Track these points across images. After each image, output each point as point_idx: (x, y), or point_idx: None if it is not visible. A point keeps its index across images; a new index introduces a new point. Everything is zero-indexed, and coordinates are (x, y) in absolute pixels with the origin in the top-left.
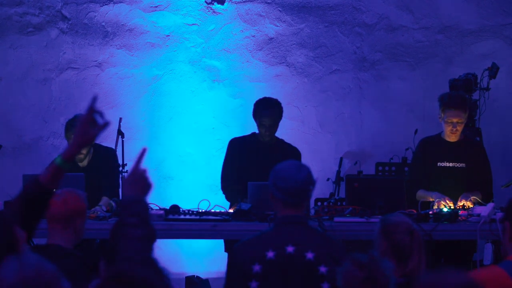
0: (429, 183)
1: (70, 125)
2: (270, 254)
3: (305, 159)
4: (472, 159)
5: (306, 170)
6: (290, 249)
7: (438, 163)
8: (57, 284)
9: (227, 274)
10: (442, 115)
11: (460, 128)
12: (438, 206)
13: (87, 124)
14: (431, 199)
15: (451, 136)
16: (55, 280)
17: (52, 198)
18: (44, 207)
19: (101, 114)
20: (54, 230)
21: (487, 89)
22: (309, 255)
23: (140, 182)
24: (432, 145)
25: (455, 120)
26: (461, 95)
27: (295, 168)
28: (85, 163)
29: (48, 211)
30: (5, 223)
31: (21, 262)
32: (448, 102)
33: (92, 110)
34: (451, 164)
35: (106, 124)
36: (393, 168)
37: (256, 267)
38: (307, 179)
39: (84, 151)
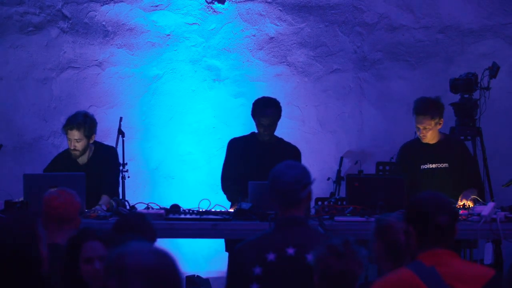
0: (415, 186)
1: (69, 120)
2: (271, 256)
3: (305, 159)
4: (455, 158)
5: (297, 170)
6: (290, 251)
7: (421, 166)
8: (178, 274)
9: (227, 276)
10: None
11: (427, 132)
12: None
13: None
14: None
15: (422, 139)
16: (176, 271)
17: (49, 197)
18: None
19: None
20: (51, 230)
21: (488, 88)
22: (310, 257)
23: None
24: (413, 149)
25: (421, 126)
26: (429, 101)
27: (285, 168)
28: (85, 159)
29: (45, 211)
30: (27, 219)
31: (145, 250)
32: (415, 108)
33: None
34: (434, 166)
35: None
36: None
37: (257, 270)
38: (295, 179)
39: (78, 147)
